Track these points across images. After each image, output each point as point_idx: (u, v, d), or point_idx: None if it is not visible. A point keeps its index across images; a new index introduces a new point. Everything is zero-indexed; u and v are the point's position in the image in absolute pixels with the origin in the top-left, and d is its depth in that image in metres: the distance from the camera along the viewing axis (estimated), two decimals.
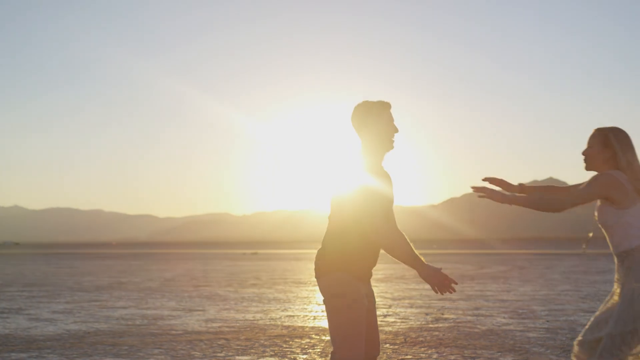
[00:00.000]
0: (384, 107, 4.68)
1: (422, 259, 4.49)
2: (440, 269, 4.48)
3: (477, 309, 13.89)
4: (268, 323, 11.94)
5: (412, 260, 4.46)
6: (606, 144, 4.81)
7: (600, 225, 4.83)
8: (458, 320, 11.99)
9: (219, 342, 9.72)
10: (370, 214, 4.42)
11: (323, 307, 14.53)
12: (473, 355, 8.56)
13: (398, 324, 11.67)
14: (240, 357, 8.50)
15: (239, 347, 9.32)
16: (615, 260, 4.81)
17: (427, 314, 13.05)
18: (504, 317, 12.42)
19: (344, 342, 4.44)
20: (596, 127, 4.89)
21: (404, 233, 4.54)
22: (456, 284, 4.49)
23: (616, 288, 4.77)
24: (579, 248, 76.44)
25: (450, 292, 4.48)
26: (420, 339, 9.96)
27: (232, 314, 13.36)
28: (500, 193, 4.88)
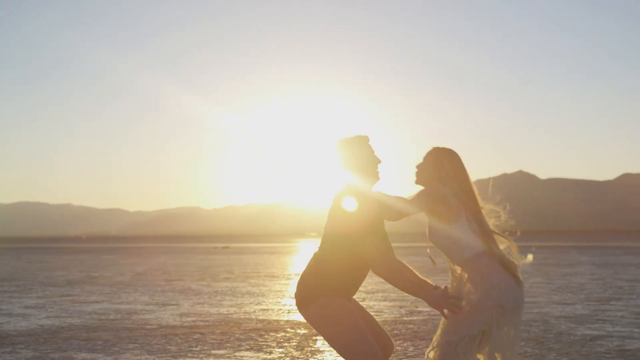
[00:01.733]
0: (362, 141, 4.72)
1: (428, 284, 4.51)
2: (446, 287, 4.49)
3: None
4: (242, 317, 11.93)
5: (419, 291, 4.48)
6: (438, 163, 4.89)
7: (432, 243, 4.91)
8: (432, 313, 12.05)
9: (194, 336, 9.69)
10: (376, 249, 4.44)
11: None
12: None
13: None
14: (216, 351, 8.48)
15: (214, 341, 9.30)
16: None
17: (401, 307, 13.10)
18: None
19: (358, 356, 4.43)
20: (434, 146, 4.96)
21: (402, 261, 4.58)
22: (461, 301, 4.52)
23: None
24: (549, 240, 76.97)
25: (458, 313, 4.51)
26: (395, 332, 9.99)
27: (206, 308, 13.33)
28: None
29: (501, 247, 4.91)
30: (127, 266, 31.28)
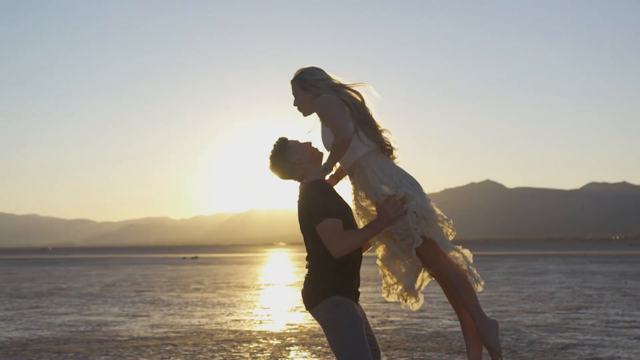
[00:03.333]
0: (297, 143, 4.86)
1: (373, 220, 4.74)
2: (381, 206, 4.68)
3: (422, 311, 13.98)
4: (214, 328, 11.87)
5: (373, 228, 4.67)
6: (305, 87, 4.94)
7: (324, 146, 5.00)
8: (404, 323, 12.07)
9: (167, 348, 9.63)
10: (329, 231, 4.53)
11: (269, 311, 14.51)
12: (422, 357, 8.61)
13: None
14: None
15: (187, 352, 9.24)
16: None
17: (372, 317, 13.10)
18: (449, 319, 12.53)
19: None
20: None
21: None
22: (394, 196, 4.69)
23: None
24: (517, 249, 77.54)
25: (403, 214, 4.72)
26: None
27: (177, 319, 13.25)
28: None
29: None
30: (95, 277, 31.01)
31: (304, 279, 4.86)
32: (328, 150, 4.84)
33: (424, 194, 4.96)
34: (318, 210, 4.48)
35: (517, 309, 14.13)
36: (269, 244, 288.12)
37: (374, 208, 4.96)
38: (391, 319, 12.77)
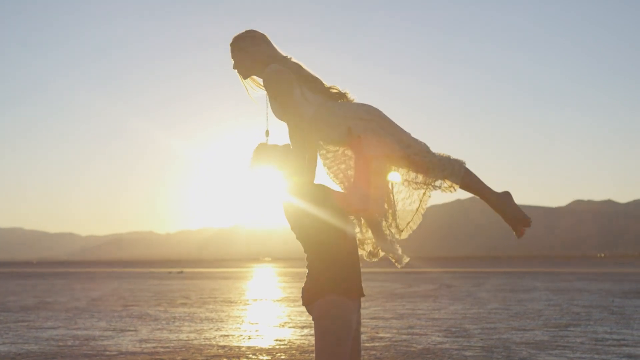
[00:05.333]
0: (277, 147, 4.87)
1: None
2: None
3: (410, 327, 13.97)
4: (203, 343, 11.81)
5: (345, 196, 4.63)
6: (242, 49, 4.92)
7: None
8: (394, 339, 12.04)
9: None
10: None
11: (257, 327, 14.46)
12: None
13: None
14: None
15: None
16: None
17: (361, 333, 13.05)
18: (439, 336, 12.52)
19: None
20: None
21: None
22: None
23: None
24: (503, 266, 77.64)
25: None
26: None
27: (165, 334, 13.18)
28: None
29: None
30: (81, 291, 30.84)
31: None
32: (280, 119, 4.86)
33: (386, 117, 4.92)
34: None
35: (506, 326, 14.12)
36: (255, 259, 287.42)
37: (344, 150, 4.91)
38: (380, 335, 12.75)
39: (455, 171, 4.75)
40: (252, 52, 4.87)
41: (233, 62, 4.94)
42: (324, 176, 4.94)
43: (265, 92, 4.93)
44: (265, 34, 4.98)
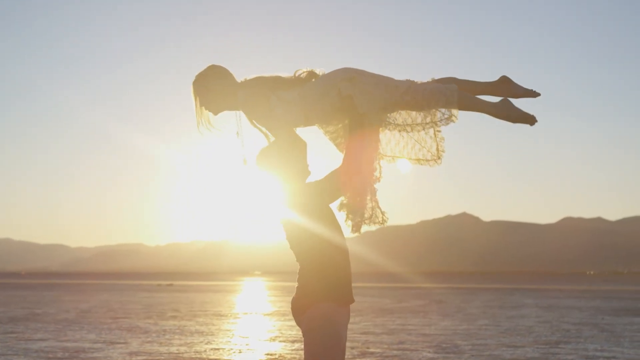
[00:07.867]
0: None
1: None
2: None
3: (401, 342, 13.96)
4: (194, 356, 11.79)
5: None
6: (209, 88, 4.91)
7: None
8: (385, 355, 12.03)
9: None
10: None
11: (247, 341, 14.43)
12: None
13: None
14: None
15: None
16: None
17: (352, 348, 13.06)
18: (430, 352, 12.51)
19: None
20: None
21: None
22: None
23: None
24: (493, 282, 77.70)
25: None
26: None
27: (155, 347, 13.14)
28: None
29: None
30: (70, 303, 30.74)
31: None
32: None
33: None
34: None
35: (497, 343, 14.13)
36: (245, 272, 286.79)
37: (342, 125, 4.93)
38: (371, 350, 12.74)
39: (449, 99, 4.74)
40: (219, 89, 4.85)
41: (199, 100, 4.88)
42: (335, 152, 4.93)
43: (235, 126, 4.92)
44: (222, 65, 4.96)
